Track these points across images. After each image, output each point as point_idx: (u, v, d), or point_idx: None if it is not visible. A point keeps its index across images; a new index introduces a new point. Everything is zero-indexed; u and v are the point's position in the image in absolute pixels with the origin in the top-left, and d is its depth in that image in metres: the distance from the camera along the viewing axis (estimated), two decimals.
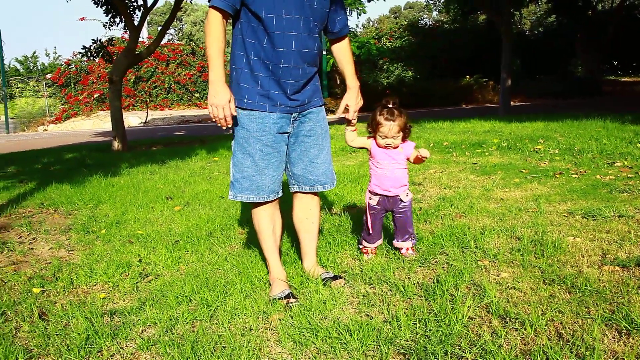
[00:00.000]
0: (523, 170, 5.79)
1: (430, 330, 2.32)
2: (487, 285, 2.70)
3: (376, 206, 3.25)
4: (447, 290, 2.69)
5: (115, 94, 11.30)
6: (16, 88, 30.72)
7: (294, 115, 2.85)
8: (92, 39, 11.90)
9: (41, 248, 4.06)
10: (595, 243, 3.30)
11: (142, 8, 11.56)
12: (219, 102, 2.60)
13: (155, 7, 11.49)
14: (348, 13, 26.02)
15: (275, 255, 2.99)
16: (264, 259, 3.11)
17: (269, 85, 2.74)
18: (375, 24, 58.54)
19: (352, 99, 3.09)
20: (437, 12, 47.47)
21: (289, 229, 3.63)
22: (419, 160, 3.17)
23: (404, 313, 2.48)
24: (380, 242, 3.36)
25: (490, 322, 2.37)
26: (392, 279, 2.93)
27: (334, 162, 3.68)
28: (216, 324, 2.55)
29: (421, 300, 2.65)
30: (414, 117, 16.09)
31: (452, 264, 3.07)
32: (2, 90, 25.64)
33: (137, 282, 3.19)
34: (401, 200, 3.22)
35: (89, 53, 11.91)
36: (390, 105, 3.11)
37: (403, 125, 3.12)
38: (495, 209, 4.24)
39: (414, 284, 2.84)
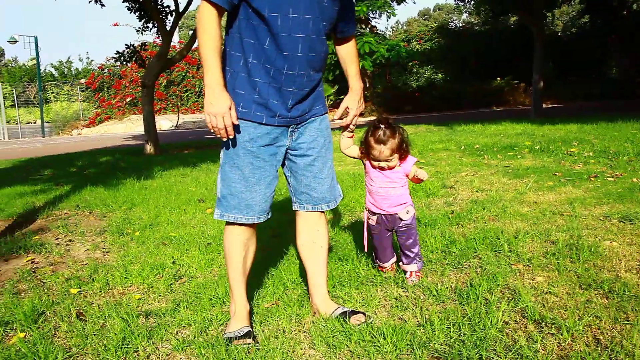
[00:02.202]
0: (557, 174, 5.71)
1: (464, 334, 2.30)
2: (522, 290, 2.67)
3: (376, 225, 3.02)
4: (481, 294, 2.66)
5: (147, 98, 11.48)
6: (51, 93, 31.37)
7: (292, 126, 2.50)
8: (126, 44, 12.11)
9: (77, 249, 4.14)
10: (633, 247, 3.23)
11: (174, 13, 11.73)
12: (218, 110, 2.23)
13: (186, 12, 11.64)
14: (377, 15, 26.00)
15: (241, 286, 2.57)
16: (292, 263, 3.03)
17: (267, 93, 2.38)
18: (404, 27, 58.32)
19: (354, 102, 2.75)
20: (467, 14, 47.10)
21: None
22: (416, 180, 2.94)
23: (438, 317, 2.46)
24: (393, 260, 3.12)
25: (526, 327, 2.35)
26: (424, 282, 2.91)
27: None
28: (253, 327, 2.57)
29: (455, 304, 2.63)
30: (443, 119, 15.99)
31: (485, 268, 3.04)
32: (38, 95, 26.20)
33: (171, 284, 3.23)
34: (400, 219, 2.96)
35: (123, 58, 12.11)
36: (382, 126, 2.82)
37: (397, 146, 2.82)
38: (528, 213, 4.19)
39: (447, 287, 2.82)
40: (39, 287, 3.30)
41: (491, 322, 2.36)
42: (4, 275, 3.58)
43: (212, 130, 2.30)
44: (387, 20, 53.40)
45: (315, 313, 2.65)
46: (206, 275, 3.33)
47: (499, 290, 2.73)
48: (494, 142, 8.60)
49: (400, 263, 3.05)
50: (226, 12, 2.34)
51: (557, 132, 9.43)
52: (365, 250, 3.11)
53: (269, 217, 2.58)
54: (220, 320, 2.65)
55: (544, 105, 16.30)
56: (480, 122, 12.34)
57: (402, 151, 2.86)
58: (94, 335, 2.56)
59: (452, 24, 33.78)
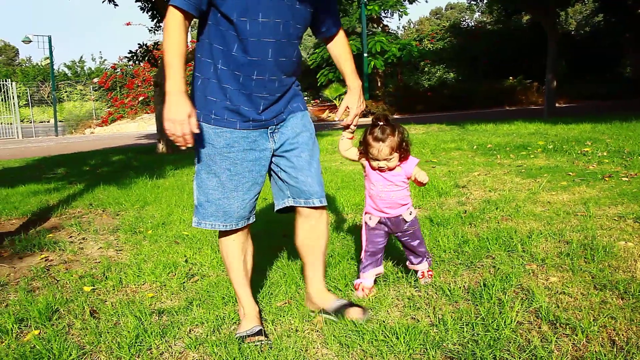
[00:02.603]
0: (570, 173, 5.67)
1: (477, 334, 2.28)
2: (536, 290, 2.65)
3: (377, 227, 2.86)
4: (494, 294, 2.64)
5: (159, 97, 11.52)
6: (64, 92, 31.61)
7: (270, 127, 2.43)
8: (139, 44, 12.17)
9: (91, 247, 4.16)
10: None
11: None
12: (177, 116, 2.16)
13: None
14: (389, 15, 25.96)
15: (246, 289, 2.58)
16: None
17: (238, 99, 2.32)
18: (417, 26, 58.17)
19: (354, 101, 2.66)
20: (479, 13, 46.90)
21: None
22: (417, 183, 2.81)
23: (451, 317, 2.45)
24: (380, 269, 2.91)
25: (540, 328, 2.33)
26: (437, 282, 2.90)
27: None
28: (263, 325, 2.57)
29: (468, 304, 2.62)
30: (455, 119, 15.91)
31: (499, 268, 3.02)
32: (51, 94, 26.39)
33: (184, 282, 3.24)
34: (404, 220, 2.84)
35: (135, 57, 12.17)
36: (380, 123, 2.69)
37: (397, 144, 2.68)
38: (542, 213, 4.16)
39: (460, 287, 2.81)
40: (53, 284, 3.33)
41: (505, 322, 2.35)
42: (18, 272, 3.60)
43: (171, 138, 2.22)
44: (399, 20, 53.41)
45: (309, 304, 2.67)
46: (218, 274, 3.34)
47: (512, 290, 2.71)
48: (507, 141, 8.56)
49: (409, 264, 2.97)
50: (197, 19, 2.32)
51: (571, 131, 9.36)
52: (362, 257, 2.93)
53: (249, 222, 2.52)
54: (232, 319, 2.65)
55: (557, 105, 16.19)
56: (493, 122, 12.28)
57: (402, 150, 2.72)
58: (108, 332, 2.58)
59: (464, 23, 33.68)
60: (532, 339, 2.23)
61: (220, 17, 2.26)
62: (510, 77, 24.27)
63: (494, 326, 2.33)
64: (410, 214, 2.86)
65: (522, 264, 3.07)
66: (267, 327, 2.54)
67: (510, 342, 2.21)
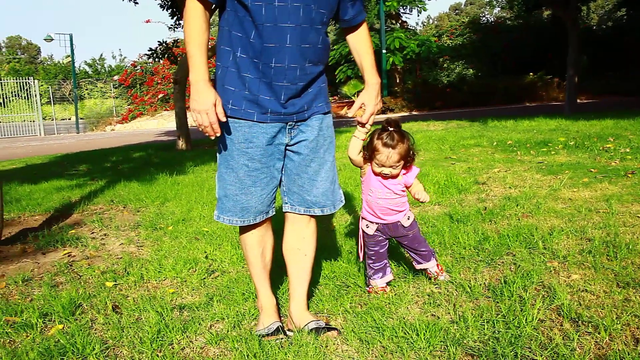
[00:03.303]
0: (592, 170, 5.61)
1: (498, 331, 2.27)
2: (558, 287, 2.63)
3: (375, 234, 2.81)
4: (515, 292, 2.63)
5: (179, 94, 11.60)
6: (85, 90, 31.94)
7: (290, 123, 2.34)
8: (159, 41, 12.26)
9: (112, 243, 4.20)
10: None
11: None
12: (202, 106, 2.14)
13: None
14: (408, 10, 25.84)
15: (265, 283, 2.56)
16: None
17: (258, 88, 2.24)
18: (436, 22, 57.83)
19: (371, 98, 2.49)
20: (499, 8, 46.49)
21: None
22: (416, 199, 2.74)
23: (471, 314, 2.44)
24: (390, 276, 2.86)
25: (562, 325, 2.31)
26: (457, 279, 2.89)
27: None
28: (282, 320, 2.58)
29: (488, 301, 2.60)
30: (475, 115, 15.76)
31: (519, 265, 3.00)
32: (73, 91, 26.68)
33: (204, 278, 3.26)
34: (402, 226, 2.79)
35: (155, 55, 12.26)
36: (391, 129, 2.61)
37: (405, 152, 2.61)
38: (563, 209, 4.13)
39: (480, 284, 2.79)
40: (75, 280, 3.37)
41: (526, 319, 2.34)
42: (42, 268, 3.66)
43: (199, 129, 2.20)
44: (418, 16, 53.01)
45: (289, 322, 2.56)
46: (238, 270, 3.35)
47: (533, 287, 2.70)
48: (527, 138, 8.49)
49: (416, 265, 2.89)
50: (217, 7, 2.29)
51: (592, 127, 9.25)
52: (360, 259, 2.95)
53: (268, 216, 2.46)
54: (252, 314, 2.67)
55: (578, 101, 16.01)
56: (513, 118, 12.18)
57: (409, 159, 2.66)
58: (130, 327, 2.60)
59: (483, 18, 33.39)
60: (554, 336, 2.21)
61: (237, 4, 2.20)
62: (531, 73, 24.04)
63: (515, 323, 2.32)
64: (408, 219, 2.80)
65: (543, 261, 3.04)
66: (286, 322, 2.55)
67: (531, 340, 2.19)
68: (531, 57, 25.39)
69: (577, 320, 2.34)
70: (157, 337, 2.47)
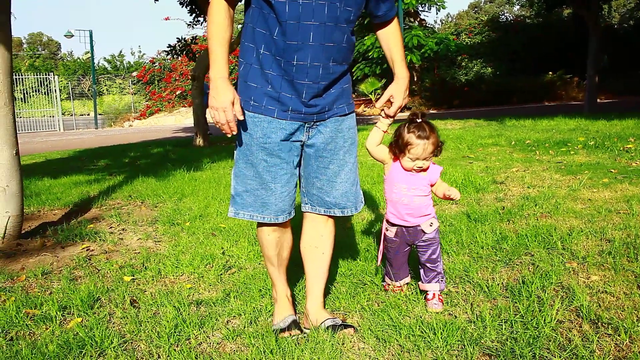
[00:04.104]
0: (612, 170, 5.54)
1: (516, 332, 2.26)
2: (577, 288, 2.60)
3: (394, 238, 2.72)
4: (533, 292, 2.61)
5: (197, 91, 11.65)
6: (104, 85, 32.21)
7: (308, 123, 2.32)
8: (177, 38, 12.33)
9: (130, 238, 4.24)
10: None
11: None
12: (220, 104, 2.13)
13: (236, 6, 11.75)
14: (426, 8, 25.71)
15: (280, 275, 2.56)
16: (342, 257, 2.98)
17: (280, 86, 2.23)
18: (455, 20, 57.51)
19: (400, 91, 2.48)
20: (519, 7, 46.10)
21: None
22: (446, 197, 2.62)
23: (489, 313, 2.42)
24: (407, 279, 2.81)
25: (581, 327, 2.29)
26: (475, 278, 2.87)
27: None
28: (299, 317, 2.58)
29: (506, 301, 2.59)
30: (493, 114, 15.60)
31: (538, 265, 2.98)
32: (92, 87, 26.91)
33: (221, 274, 3.27)
34: (423, 232, 2.65)
35: (174, 51, 12.33)
36: (419, 120, 2.54)
37: (436, 142, 2.54)
38: (582, 210, 4.08)
39: (498, 284, 2.78)
40: (94, 274, 3.40)
41: (544, 320, 2.32)
42: (61, 261, 3.69)
43: (217, 126, 2.19)
44: (437, 14, 52.73)
45: (305, 320, 2.54)
46: (255, 267, 3.36)
47: (552, 288, 2.67)
48: (546, 137, 8.41)
49: (419, 283, 2.71)
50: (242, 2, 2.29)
51: (613, 127, 9.15)
52: (378, 263, 2.86)
53: (291, 216, 2.42)
54: (269, 311, 2.67)
55: (598, 100, 15.83)
56: (531, 117, 12.07)
57: (439, 148, 2.57)
58: (147, 322, 2.62)
59: (502, 16, 33.14)
60: (572, 337, 2.19)
61: (262, 0, 2.19)
62: (550, 72, 23.81)
63: (533, 324, 2.30)
64: (431, 226, 2.66)
65: (562, 262, 3.02)
66: (303, 320, 2.55)
67: (550, 341, 2.17)
68: (551, 56, 25.14)
69: (596, 321, 2.32)
70: (175, 332, 2.49)
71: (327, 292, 2.84)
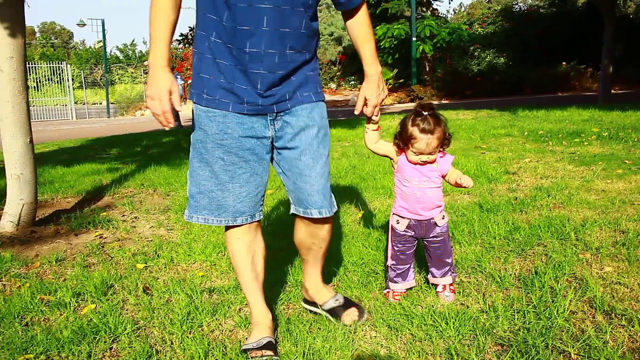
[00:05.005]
0: (626, 161, 5.50)
1: (529, 322, 2.25)
2: (590, 279, 2.59)
3: (405, 232, 2.59)
4: (546, 283, 2.60)
5: None
6: (116, 75, 32.30)
7: (270, 114, 2.11)
8: (189, 27, 12.34)
9: (142, 226, 4.26)
10: None
11: None
12: (156, 92, 1.95)
13: None
14: None
15: (257, 294, 2.31)
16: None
17: (233, 76, 2.03)
18: (467, 9, 57.09)
19: (372, 90, 2.30)
20: None
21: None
22: (458, 185, 2.51)
23: (502, 303, 2.42)
24: (412, 283, 2.66)
25: (594, 317, 2.28)
26: (487, 268, 2.86)
27: None
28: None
29: (519, 291, 2.58)
30: (505, 104, 15.49)
31: (551, 256, 2.97)
32: (104, 76, 26.99)
33: None
34: (436, 225, 2.56)
35: (186, 40, 12.33)
36: (426, 113, 2.40)
37: (442, 135, 2.42)
38: (596, 201, 4.06)
39: (510, 274, 2.77)
40: (107, 261, 3.43)
41: (557, 311, 2.31)
42: (75, 249, 3.72)
43: (154, 117, 2.00)
44: (449, 3, 52.18)
45: (304, 293, 2.55)
46: (267, 255, 3.36)
47: (565, 279, 2.66)
48: (559, 128, 8.35)
49: (430, 277, 2.64)
50: None
51: (627, 118, 9.06)
52: (389, 262, 2.67)
53: (255, 220, 2.23)
54: (282, 300, 2.69)
55: (612, 91, 15.67)
56: (545, 108, 11.98)
57: (446, 141, 2.46)
58: (160, 309, 2.64)
59: (516, 6, 32.82)
60: (586, 328, 2.18)
61: None
62: (564, 63, 23.60)
63: (546, 314, 2.30)
64: (443, 218, 2.58)
65: (575, 253, 3.00)
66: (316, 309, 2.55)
67: (563, 331, 2.17)
68: (564, 46, 24.88)
69: (609, 312, 2.31)
70: (187, 319, 2.50)
71: (339, 280, 2.85)
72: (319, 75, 2.25)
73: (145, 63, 30.91)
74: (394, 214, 2.63)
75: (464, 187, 2.50)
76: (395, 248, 2.62)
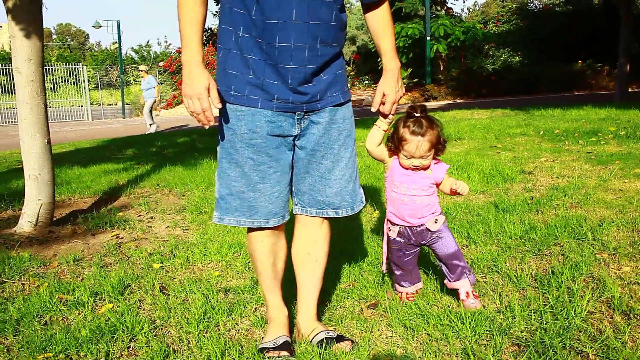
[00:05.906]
0: None
1: (546, 322, 2.24)
2: (608, 279, 2.57)
3: (397, 239, 2.53)
4: (563, 283, 2.58)
5: None
6: (131, 76, 32.51)
7: (298, 113, 2.08)
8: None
9: (158, 226, 4.29)
10: None
11: None
12: (194, 91, 1.91)
13: None
14: None
15: (275, 293, 2.29)
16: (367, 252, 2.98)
17: (263, 72, 1.99)
18: (482, 8, 56.79)
19: (391, 85, 2.21)
20: None
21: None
22: (454, 192, 2.43)
23: (518, 304, 2.41)
24: (419, 285, 2.62)
25: (612, 318, 2.26)
26: (503, 268, 2.85)
27: None
28: (326, 305, 2.60)
29: (535, 291, 2.56)
30: (520, 103, 15.40)
31: (567, 256, 2.95)
32: (119, 77, 27.17)
33: (248, 262, 3.29)
34: (429, 230, 2.47)
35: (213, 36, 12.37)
36: (417, 115, 2.35)
37: (435, 140, 2.34)
38: (613, 200, 4.02)
39: (527, 274, 2.75)
40: (124, 261, 3.45)
41: (575, 311, 2.29)
42: (92, 248, 3.76)
43: (192, 117, 1.98)
44: (464, 2, 51.89)
45: (297, 332, 2.34)
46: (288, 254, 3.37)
47: (582, 279, 2.64)
48: (575, 127, 8.28)
49: (446, 282, 2.52)
50: None
51: None
52: (383, 268, 2.65)
53: (284, 220, 2.19)
54: (296, 299, 2.69)
55: (629, 90, 15.52)
56: (560, 107, 11.88)
57: (439, 146, 2.38)
58: (177, 308, 2.66)
59: (531, 4, 32.59)
60: (604, 329, 2.17)
61: None
62: (579, 61, 23.40)
63: (563, 315, 2.28)
64: (436, 222, 2.47)
65: (592, 253, 2.98)
66: (332, 307, 2.56)
67: (580, 332, 2.15)
68: (580, 44, 24.68)
69: (628, 313, 2.29)
70: (204, 319, 2.52)
71: (354, 281, 2.85)
72: (345, 72, 2.22)
73: (160, 64, 31.08)
74: (386, 219, 2.58)
75: (460, 194, 2.43)
76: (395, 256, 2.57)
